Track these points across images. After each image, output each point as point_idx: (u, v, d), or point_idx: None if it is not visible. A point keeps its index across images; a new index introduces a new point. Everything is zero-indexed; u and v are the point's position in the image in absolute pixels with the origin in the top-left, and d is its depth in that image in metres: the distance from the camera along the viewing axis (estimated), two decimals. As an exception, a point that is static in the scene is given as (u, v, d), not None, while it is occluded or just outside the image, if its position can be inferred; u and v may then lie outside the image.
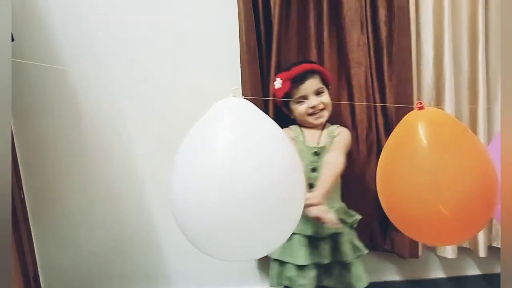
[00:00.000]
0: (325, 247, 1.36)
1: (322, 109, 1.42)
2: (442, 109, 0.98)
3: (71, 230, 1.67)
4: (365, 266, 1.68)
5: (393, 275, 1.73)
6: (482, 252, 1.60)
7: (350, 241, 1.39)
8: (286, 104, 1.45)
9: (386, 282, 1.72)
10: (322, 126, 1.47)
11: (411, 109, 0.89)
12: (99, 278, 1.70)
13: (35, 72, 1.57)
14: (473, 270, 1.74)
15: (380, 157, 0.93)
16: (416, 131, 0.83)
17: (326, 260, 1.36)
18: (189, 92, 1.58)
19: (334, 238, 1.36)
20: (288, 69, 1.44)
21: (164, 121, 1.62)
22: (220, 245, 0.73)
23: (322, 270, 1.37)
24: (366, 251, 1.42)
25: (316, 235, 1.34)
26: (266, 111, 1.54)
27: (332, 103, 1.44)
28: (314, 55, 1.56)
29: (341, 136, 1.43)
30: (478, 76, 1.54)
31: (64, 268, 1.69)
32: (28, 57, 1.55)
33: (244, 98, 0.79)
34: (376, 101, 1.55)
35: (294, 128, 1.46)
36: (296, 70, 1.43)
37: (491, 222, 1.61)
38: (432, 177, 0.82)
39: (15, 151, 1.58)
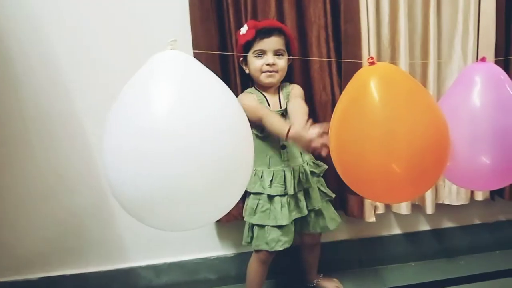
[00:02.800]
0: (302, 200, 1.44)
1: (276, 71, 1.39)
2: (395, 64, 0.95)
3: (16, 206, 1.57)
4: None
5: (347, 234, 1.76)
6: (429, 209, 1.65)
7: (319, 188, 1.48)
8: (245, 57, 1.43)
9: (341, 241, 1.75)
10: (277, 89, 1.46)
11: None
12: (50, 255, 1.62)
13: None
14: (423, 226, 1.79)
15: (333, 114, 0.89)
16: (367, 86, 0.80)
17: (304, 212, 1.43)
18: (135, 51, 1.46)
19: (306, 190, 1.45)
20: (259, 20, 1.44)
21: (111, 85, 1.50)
22: (160, 214, 0.67)
23: (299, 220, 1.46)
24: (333, 195, 1.53)
25: (294, 191, 1.40)
26: (224, 71, 1.51)
27: (286, 70, 1.41)
28: (273, 13, 1.49)
29: (295, 89, 1.47)
30: (429, 35, 1.53)
31: (12, 247, 1.59)
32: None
33: (195, 52, 0.72)
34: (332, 62, 1.51)
35: (255, 92, 1.44)
36: (266, 22, 1.42)
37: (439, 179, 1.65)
38: (384, 134, 0.80)
39: None
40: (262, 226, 1.41)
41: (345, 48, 1.48)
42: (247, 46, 1.40)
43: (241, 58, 1.45)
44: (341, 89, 1.53)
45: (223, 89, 0.72)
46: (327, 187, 1.51)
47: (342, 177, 0.90)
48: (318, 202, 1.46)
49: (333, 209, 1.52)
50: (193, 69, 0.70)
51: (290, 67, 1.47)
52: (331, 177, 1.59)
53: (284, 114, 1.40)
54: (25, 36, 1.46)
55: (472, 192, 1.69)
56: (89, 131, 1.54)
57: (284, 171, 1.41)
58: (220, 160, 0.65)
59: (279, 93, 1.46)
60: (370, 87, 0.79)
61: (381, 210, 1.67)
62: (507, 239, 1.84)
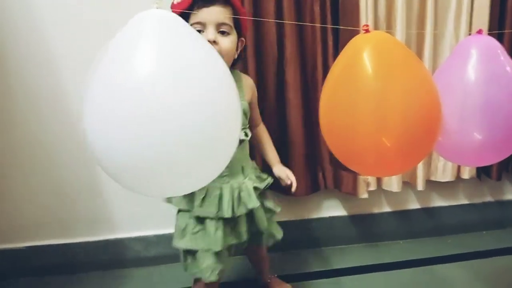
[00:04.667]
0: (242, 224, 1.21)
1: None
2: (390, 33, 0.92)
3: (4, 178, 1.55)
4: (313, 203, 1.72)
5: (340, 211, 1.76)
6: (420, 186, 1.65)
7: (262, 204, 1.25)
8: None
9: (332, 218, 1.75)
10: None
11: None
12: (38, 226, 1.61)
13: None
14: (413, 204, 1.80)
15: (324, 83, 0.87)
16: (360, 55, 0.77)
17: (243, 238, 1.22)
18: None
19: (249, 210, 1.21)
20: None
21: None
22: (145, 179, 0.64)
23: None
24: (278, 209, 1.32)
25: (233, 214, 1.17)
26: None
27: (235, 55, 1.17)
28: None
29: (250, 86, 1.26)
30: (427, 8, 1.50)
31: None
32: None
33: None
34: (328, 32, 1.47)
35: None
36: None
37: (430, 155, 1.65)
38: (376, 105, 0.78)
39: None
40: (194, 251, 1.19)
41: (342, 21, 1.44)
42: (184, 17, 1.10)
43: None
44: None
45: (209, 51, 0.70)
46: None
47: (331, 149, 0.89)
48: (263, 222, 1.24)
49: (275, 224, 1.34)
50: (179, 29, 0.67)
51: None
52: (324, 153, 1.59)
53: None
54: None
55: (458, 170, 1.70)
56: (74, 102, 1.51)
57: (221, 189, 1.17)
58: (204, 123, 0.63)
59: None
60: (363, 56, 0.76)
61: (372, 187, 1.66)
62: (494, 219, 1.86)
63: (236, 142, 0.72)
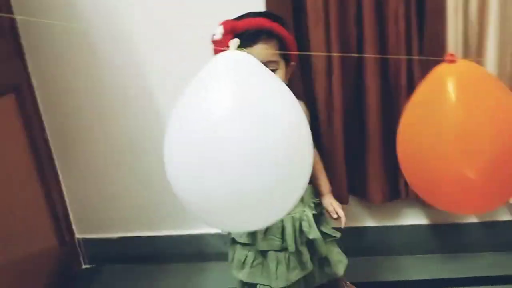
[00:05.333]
0: (305, 253, 1.16)
1: None
2: (480, 62, 0.85)
3: (96, 173, 1.70)
4: (392, 209, 1.66)
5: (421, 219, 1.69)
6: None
7: (320, 230, 1.19)
8: None
9: (413, 226, 1.69)
10: None
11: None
12: (128, 217, 1.75)
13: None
14: (504, 215, 1.67)
15: (404, 112, 0.83)
16: (444, 87, 0.73)
17: (309, 267, 1.16)
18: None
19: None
20: (239, 17, 1.07)
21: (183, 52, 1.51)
22: (218, 216, 0.68)
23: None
24: (338, 234, 1.26)
25: (296, 246, 1.13)
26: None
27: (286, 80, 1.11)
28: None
29: (308, 116, 1.20)
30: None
31: (96, 208, 1.74)
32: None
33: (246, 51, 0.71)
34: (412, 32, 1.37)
35: None
36: (247, 23, 1.03)
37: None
38: (459, 136, 0.74)
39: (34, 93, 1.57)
40: (253, 285, 1.15)
41: (427, 24, 1.35)
42: None
43: None
44: (421, 71, 1.40)
45: (284, 93, 0.71)
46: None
47: (407, 179, 0.86)
48: (323, 248, 1.18)
49: (337, 248, 1.28)
50: (254, 71, 0.69)
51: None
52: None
53: None
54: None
55: None
56: (159, 100, 1.60)
57: (283, 221, 1.12)
58: (278, 165, 0.65)
59: None
60: (447, 87, 0.72)
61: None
62: None
63: (309, 176, 0.73)
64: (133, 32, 1.52)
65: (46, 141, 1.62)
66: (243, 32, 1.01)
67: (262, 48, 1.02)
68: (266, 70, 0.72)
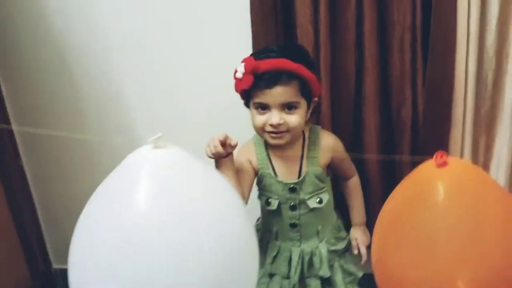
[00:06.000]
0: (312, 286, 1.13)
1: (285, 131, 1.02)
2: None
3: (75, 199, 1.55)
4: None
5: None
6: None
7: (341, 267, 1.15)
8: (247, 101, 1.06)
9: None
10: (301, 144, 1.10)
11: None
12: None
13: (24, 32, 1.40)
14: None
15: (380, 217, 0.68)
16: (432, 195, 0.59)
17: None
18: (194, 56, 1.37)
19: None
20: (261, 54, 1.02)
21: (166, 86, 1.43)
22: None
23: None
24: (360, 274, 1.17)
25: (302, 278, 1.12)
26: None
27: (304, 122, 1.05)
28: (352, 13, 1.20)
29: (342, 146, 1.15)
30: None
31: (69, 236, 1.63)
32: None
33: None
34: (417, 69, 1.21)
35: (258, 150, 1.11)
36: (268, 65, 0.99)
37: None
38: (452, 243, 0.59)
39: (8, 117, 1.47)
40: None
41: (431, 57, 1.17)
42: (248, 94, 1.04)
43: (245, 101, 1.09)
44: (424, 108, 1.23)
45: (215, 187, 0.57)
46: None
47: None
48: (340, 286, 1.13)
49: None
50: (184, 171, 0.56)
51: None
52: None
53: (294, 188, 1.07)
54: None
55: None
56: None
57: (291, 251, 1.12)
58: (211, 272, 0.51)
59: (303, 149, 1.10)
60: (436, 200, 0.58)
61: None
62: None
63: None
64: (114, 54, 1.41)
65: (21, 169, 1.52)
66: (263, 73, 0.99)
67: (283, 90, 1.00)
68: (197, 167, 0.58)
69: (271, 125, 1.01)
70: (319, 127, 1.16)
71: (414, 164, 1.23)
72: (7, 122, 1.46)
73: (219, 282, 0.52)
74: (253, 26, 1.23)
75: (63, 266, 1.66)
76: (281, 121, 1.00)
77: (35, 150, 1.54)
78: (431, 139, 1.22)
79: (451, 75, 1.14)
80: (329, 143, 1.13)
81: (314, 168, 1.10)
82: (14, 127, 1.47)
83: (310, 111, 1.08)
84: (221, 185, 0.58)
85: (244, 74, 0.99)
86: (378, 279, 0.70)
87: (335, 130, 1.26)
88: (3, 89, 1.45)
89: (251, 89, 1.00)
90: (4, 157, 1.43)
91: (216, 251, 0.52)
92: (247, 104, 1.07)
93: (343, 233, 1.20)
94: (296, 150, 1.11)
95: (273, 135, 1.03)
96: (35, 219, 1.57)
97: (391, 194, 0.68)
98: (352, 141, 1.31)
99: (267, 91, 0.99)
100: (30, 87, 1.47)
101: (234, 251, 0.53)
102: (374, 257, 0.70)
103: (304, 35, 1.21)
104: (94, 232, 0.56)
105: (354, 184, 1.23)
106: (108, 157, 1.44)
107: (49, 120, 1.50)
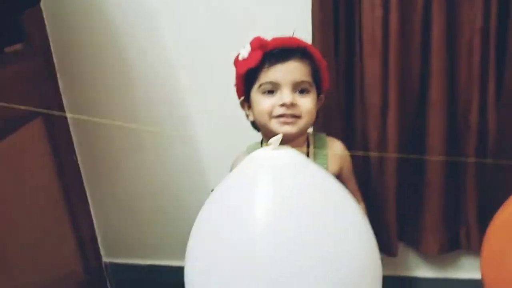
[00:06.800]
0: None
1: (297, 116, 0.90)
2: None
3: (126, 197, 1.61)
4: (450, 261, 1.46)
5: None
6: None
7: None
8: (247, 91, 0.95)
9: (475, 280, 1.48)
10: (306, 142, 0.98)
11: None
12: (160, 245, 1.66)
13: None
14: None
15: (493, 225, 0.65)
16: None
17: None
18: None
19: None
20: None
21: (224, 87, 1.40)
22: None
23: None
24: None
25: None
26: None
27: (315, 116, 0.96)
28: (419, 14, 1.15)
29: (350, 160, 1.02)
30: None
31: (127, 233, 1.66)
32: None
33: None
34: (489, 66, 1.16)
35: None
36: (278, 40, 0.91)
37: None
38: None
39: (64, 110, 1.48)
40: None
41: (509, 63, 1.12)
42: (250, 77, 0.93)
43: (242, 98, 0.99)
44: (498, 112, 1.19)
45: (341, 195, 0.55)
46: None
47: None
48: None
49: None
50: (308, 173, 0.54)
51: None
52: (470, 205, 1.32)
53: None
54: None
55: None
56: (200, 134, 1.48)
57: None
58: None
59: (307, 155, 0.96)
60: None
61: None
62: None
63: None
64: (171, 53, 1.40)
65: (76, 165, 1.53)
66: (275, 48, 0.90)
67: (297, 66, 0.90)
68: (322, 173, 0.56)
69: (283, 105, 0.88)
70: (325, 134, 1.05)
71: (480, 169, 1.24)
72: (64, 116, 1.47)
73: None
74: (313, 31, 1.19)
75: (113, 260, 1.68)
76: (294, 101, 0.88)
77: (88, 143, 1.55)
78: (503, 149, 1.18)
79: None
80: (338, 150, 1.02)
81: None
82: (68, 115, 1.47)
83: (317, 108, 0.97)
84: (341, 193, 0.56)
85: (250, 52, 0.90)
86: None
87: (400, 136, 1.24)
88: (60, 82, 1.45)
89: (257, 68, 0.89)
90: (59, 152, 1.44)
91: (338, 265, 0.50)
92: (246, 97, 0.96)
93: None
94: None
95: (283, 119, 0.89)
96: (87, 213, 1.59)
97: (504, 205, 0.65)
98: (413, 146, 1.29)
99: (279, 66, 0.88)
100: (86, 80, 1.47)
101: (356, 266, 0.51)
102: (485, 267, 0.67)
103: (370, 41, 1.17)
104: (214, 237, 0.55)
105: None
106: (161, 150, 1.50)
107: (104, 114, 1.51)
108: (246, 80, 0.94)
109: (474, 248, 1.37)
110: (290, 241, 0.49)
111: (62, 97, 1.45)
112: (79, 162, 1.55)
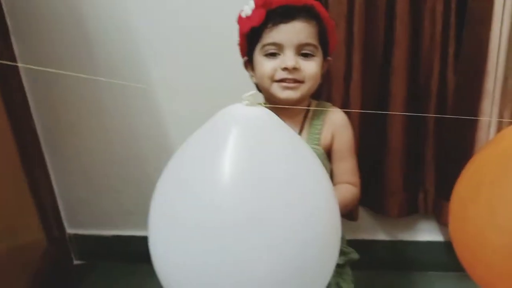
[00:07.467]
0: None
1: (300, 81, 0.86)
2: None
3: (89, 165, 1.57)
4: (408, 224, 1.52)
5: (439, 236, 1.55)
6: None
7: (338, 285, 1.00)
8: (251, 51, 0.91)
9: (430, 242, 1.55)
10: (304, 114, 0.94)
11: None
12: (123, 215, 1.63)
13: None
14: None
15: (458, 185, 0.67)
16: None
17: None
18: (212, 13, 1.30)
19: None
20: None
21: (189, 48, 1.36)
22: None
23: None
24: None
25: None
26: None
27: (319, 80, 0.91)
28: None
29: (341, 126, 0.94)
30: None
31: (89, 204, 1.62)
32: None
33: (264, 105, 0.54)
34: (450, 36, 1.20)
35: None
36: None
37: None
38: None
39: (21, 79, 1.42)
40: None
41: (468, 27, 1.15)
42: (253, 37, 0.88)
43: (245, 58, 0.94)
44: (456, 79, 1.23)
45: (319, 168, 0.55)
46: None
47: (458, 254, 0.71)
48: None
49: None
50: (277, 134, 0.54)
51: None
52: (429, 173, 1.37)
53: None
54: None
55: None
56: (160, 100, 1.45)
57: None
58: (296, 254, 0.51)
59: (303, 122, 0.94)
60: None
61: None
62: None
63: (333, 267, 0.58)
64: (132, 23, 1.35)
65: (33, 131, 1.48)
66: (278, 7, 0.85)
67: (302, 26, 0.84)
68: (293, 136, 0.56)
69: (285, 69, 0.84)
70: (330, 103, 1.00)
71: (438, 134, 1.29)
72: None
73: (302, 257, 0.51)
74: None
75: (76, 232, 1.66)
76: (297, 65, 0.84)
77: (45, 107, 1.49)
78: (460, 110, 1.22)
79: (485, 46, 1.13)
80: (337, 121, 0.95)
81: (313, 147, 0.91)
82: (21, 65, 1.39)
83: (323, 71, 0.93)
84: (310, 156, 0.57)
85: (254, 10, 0.85)
86: (456, 245, 0.71)
87: (363, 101, 1.25)
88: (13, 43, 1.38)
89: (260, 28, 0.85)
90: (16, 117, 1.38)
91: (303, 225, 0.51)
92: (250, 58, 0.91)
93: (348, 248, 1.05)
94: (295, 122, 0.93)
95: (284, 84, 0.85)
96: (48, 182, 1.55)
97: (470, 162, 0.67)
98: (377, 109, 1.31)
99: (283, 26, 0.83)
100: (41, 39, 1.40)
101: (320, 226, 0.52)
102: (452, 225, 0.70)
103: (337, 3, 1.17)
104: (177, 198, 0.54)
105: (346, 190, 0.95)
106: (121, 105, 1.44)
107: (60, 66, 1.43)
108: (249, 40, 0.89)
109: (430, 212, 1.44)
110: (254, 198, 0.50)
111: (17, 59, 1.38)
112: (37, 128, 1.49)
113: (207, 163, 0.51)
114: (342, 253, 1.02)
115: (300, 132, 0.93)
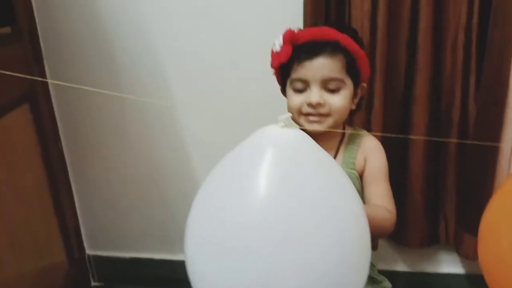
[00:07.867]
0: None
1: (325, 114, 0.88)
2: None
3: (111, 186, 1.60)
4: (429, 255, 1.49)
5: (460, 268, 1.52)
6: None
7: None
8: (283, 81, 0.94)
9: (451, 275, 1.51)
10: (339, 141, 0.96)
11: None
12: (143, 238, 1.65)
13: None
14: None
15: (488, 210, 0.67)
16: None
17: None
18: (238, 25, 1.34)
19: None
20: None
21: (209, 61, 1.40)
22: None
23: None
24: None
25: None
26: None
27: (349, 109, 0.93)
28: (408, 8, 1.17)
29: (381, 158, 0.95)
30: None
31: (104, 223, 1.65)
32: None
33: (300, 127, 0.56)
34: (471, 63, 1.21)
35: None
36: (309, 33, 0.89)
37: None
38: None
39: (51, 102, 1.47)
40: None
41: (489, 57, 1.16)
42: (285, 70, 0.91)
43: (280, 87, 0.98)
44: (477, 107, 1.23)
45: (342, 184, 0.57)
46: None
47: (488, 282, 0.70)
48: None
49: None
50: (308, 155, 0.55)
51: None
52: (449, 203, 1.36)
53: None
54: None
55: None
56: (183, 123, 1.48)
57: None
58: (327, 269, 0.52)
59: (339, 147, 0.96)
60: None
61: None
62: None
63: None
64: (157, 41, 1.40)
65: (61, 153, 1.52)
66: (303, 44, 0.87)
67: (326, 62, 0.86)
68: (327, 158, 0.58)
69: (310, 105, 0.87)
70: (365, 131, 1.02)
71: (460, 164, 1.28)
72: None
73: (333, 276, 0.52)
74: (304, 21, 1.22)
75: (96, 253, 1.67)
76: (322, 100, 0.86)
77: (74, 131, 1.54)
78: (482, 139, 1.22)
79: (506, 76, 1.14)
80: (371, 147, 0.97)
81: (348, 171, 0.92)
82: (49, 81, 1.44)
83: (357, 99, 0.95)
84: (343, 178, 0.58)
85: (282, 46, 0.87)
86: (487, 273, 0.70)
87: (385, 129, 1.26)
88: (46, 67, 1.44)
89: (289, 63, 0.88)
90: (45, 140, 1.43)
91: (333, 245, 0.52)
92: (283, 88, 0.95)
93: (379, 277, 1.05)
94: (331, 146, 0.95)
95: (311, 117, 0.88)
96: (72, 203, 1.57)
97: (502, 185, 0.67)
98: (396, 140, 1.32)
99: (307, 63, 0.86)
100: (72, 65, 1.46)
101: (350, 246, 0.53)
102: (482, 251, 0.70)
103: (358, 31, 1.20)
104: (213, 220, 0.55)
105: (382, 209, 0.92)
106: (146, 142, 1.49)
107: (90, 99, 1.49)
108: (280, 73, 0.94)
109: (451, 243, 1.41)
110: (286, 218, 0.51)
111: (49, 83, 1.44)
112: (64, 151, 1.53)
113: (243, 185, 0.53)
114: (374, 281, 1.02)
115: (335, 157, 0.95)
